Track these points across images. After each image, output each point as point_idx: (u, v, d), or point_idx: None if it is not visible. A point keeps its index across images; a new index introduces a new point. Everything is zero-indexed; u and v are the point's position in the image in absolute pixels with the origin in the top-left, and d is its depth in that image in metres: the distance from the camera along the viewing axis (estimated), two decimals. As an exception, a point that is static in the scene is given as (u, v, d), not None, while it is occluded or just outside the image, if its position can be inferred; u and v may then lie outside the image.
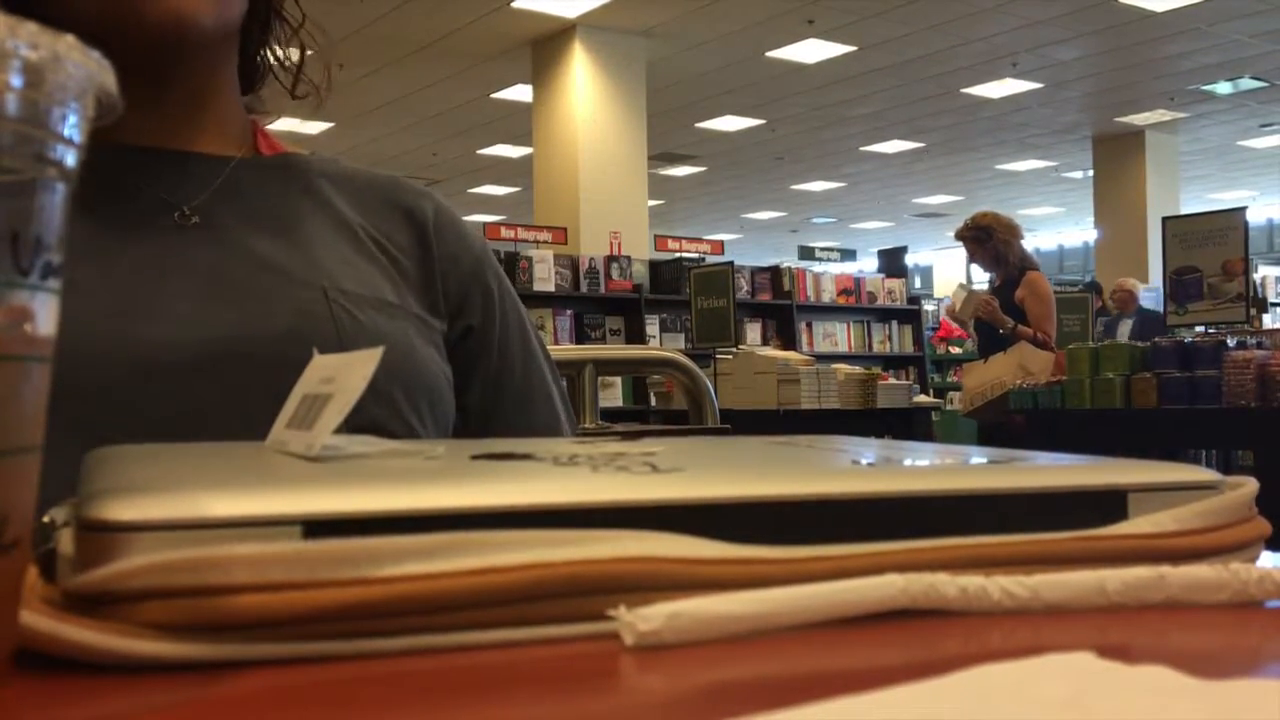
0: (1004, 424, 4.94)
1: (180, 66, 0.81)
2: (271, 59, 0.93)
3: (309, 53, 0.94)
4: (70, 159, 0.27)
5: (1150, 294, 10.54)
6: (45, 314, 0.27)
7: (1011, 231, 5.21)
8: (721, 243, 10.76)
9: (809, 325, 8.96)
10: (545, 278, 7.67)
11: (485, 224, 10.10)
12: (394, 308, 0.83)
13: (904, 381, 6.49)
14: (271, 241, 0.82)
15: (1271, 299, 11.39)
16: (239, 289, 0.77)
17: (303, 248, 0.82)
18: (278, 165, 0.88)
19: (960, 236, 5.35)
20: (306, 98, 0.95)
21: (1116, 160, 13.65)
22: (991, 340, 5.29)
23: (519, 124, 11.64)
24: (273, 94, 0.96)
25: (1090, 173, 14.42)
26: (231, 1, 0.80)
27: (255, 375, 0.72)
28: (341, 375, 0.47)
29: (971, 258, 5.45)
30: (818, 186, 16.62)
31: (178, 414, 0.71)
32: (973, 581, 0.34)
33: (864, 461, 0.45)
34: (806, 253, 13.70)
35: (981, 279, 5.77)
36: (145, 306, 0.74)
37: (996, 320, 5.17)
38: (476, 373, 0.90)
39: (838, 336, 9.09)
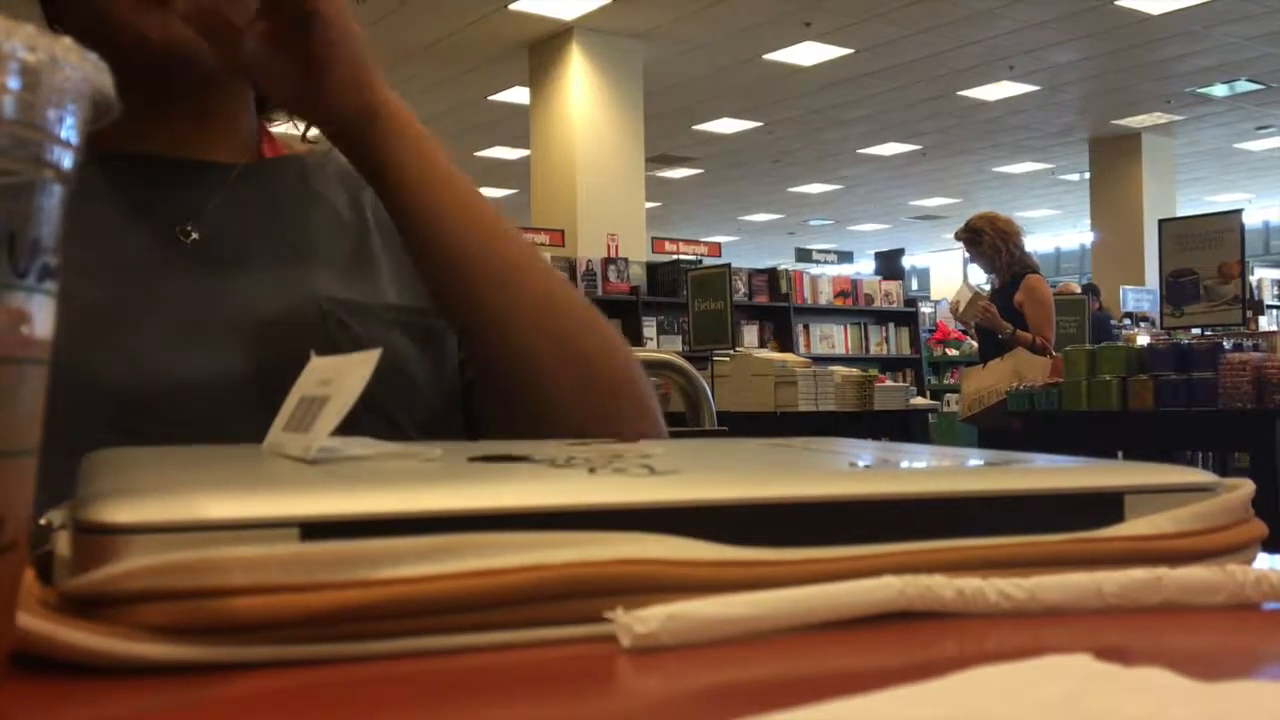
0: (1003, 429, 4.93)
1: (185, 86, 0.82)
2: None
3: None
4: (67, 161, 0.27)
5: (1148, 295, 10.56)
6: (42, 316, 0.27)
7: (1004, 235, 5.20)
8: (719, 245, 10.76)
9: (806, 327, 8.96)
10: (542, 280, 7.65)
11: (482, 226, 10.06)
12: (395, 310, 0.83)
13: (901, 384, 6.49)
14: (272, 256, 0.82)
15: (1268, 301, 11.39)
16: (237, 313, 0.77)
17: (303, 260, 0.82)
18: (279, 169, 0.88)
19: (958, 237, 5.36)
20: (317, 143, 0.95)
21: (1113, 163, 13.65)
22: (991, 344, 5.29)
23: (516, 126, 11.64)
24: None
25: (1087, 175, 14.43)
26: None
27: (251, 402, 0.72)
28: (339, 377, 0.47)
29: (971, 259, 5.45)
30: (815, 189, 16.63)
31: (175, 434, 0.71)
32: (970, 583, 0.34)
33: (861, 463, 0.45)
34: (804, 255, 13.71)
35: (980, 279, 5.76)
36: (146, 330, 0.74)
37: (995, 326, 5.16)
38: None
39: (835, 339, 9.09)
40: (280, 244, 0.83)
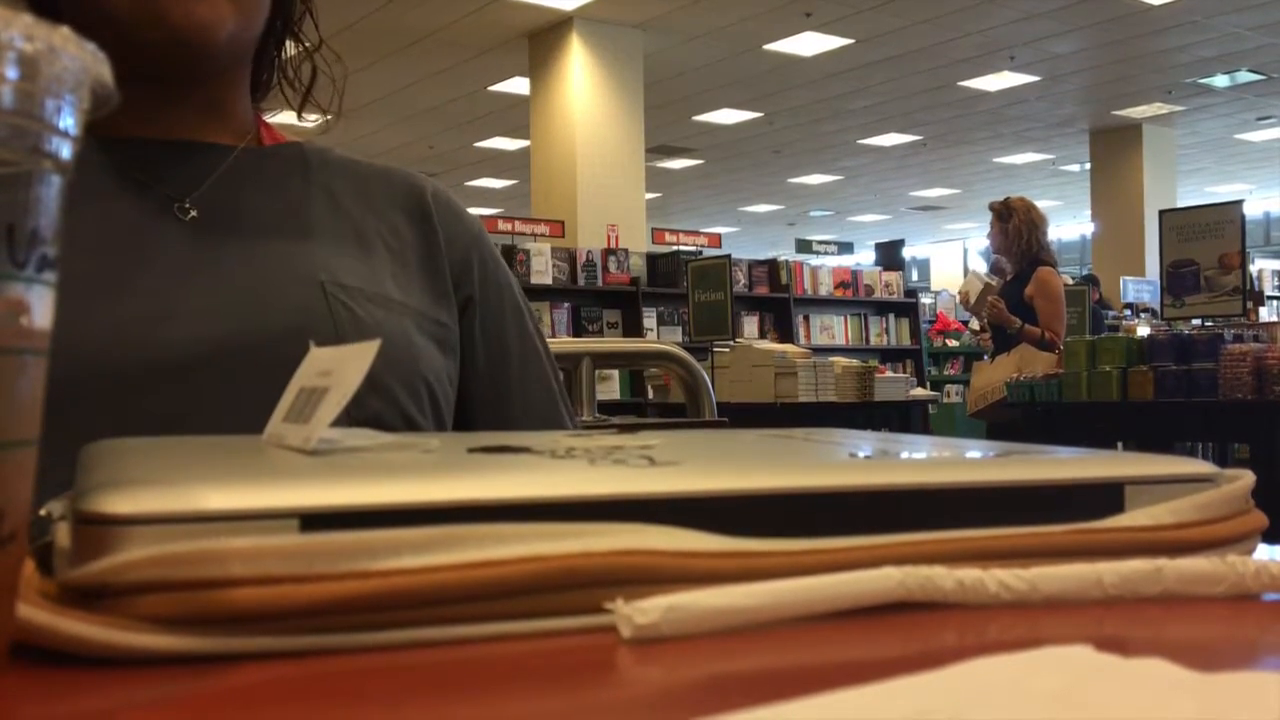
0: (1010, 423, 4.90)
1: (198, 74, 0.83)
2: (281, 75, 0.95)
3: (320, 74, 0.95)
4: (66, 151, 0.27)
5: (1148, 286, 10.56)
6: (41, 307, 0.27)
7: (1033, 224, 5.17)
8: (719, 236, 10.75)
9: (806, 318, 8.96)
10: (543, 271, 7.66)
11: (483, 217, 10.07)
12: (394, 302, 0.83)
13: (901, 375, 6.49)
14: (272, 234, 0.82)
15: (1268, 292, 11.39)
16: (237, 286, 0.77)
17: (303, 240, 0.82)
18: (279, 154, 0.88)
19: (991, 207, 5.33)
20: (314, 123, 0.96)
21: (1114, 153, 13.64)
22: (1003, 339, 5.26)
23: (516, 117, 11.63)
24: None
25: (1087, 166, 14.42)
26: (251, 16, 0.81)
27: (252, 374, 0.72)
28: (339, 368, 0.46)
29: (989, 235, 5.41)
30: (815, 179, 16.61)
31: (174, 414, 0.71)
32: (970, 574, 0.34)
33: (861, 454, 0.45)
34: (804, 246, 13.68)
35: (979, 266, 5.73)
36: (142, 307, 0.74)
37: (1004, 321, 5.14)
38: (476, 346, 0.90)
39: (835, 330, 9.09)
40: (280, 224, 0.83)
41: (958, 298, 5.91)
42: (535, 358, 0.94)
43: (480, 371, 0.90)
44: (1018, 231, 5.15)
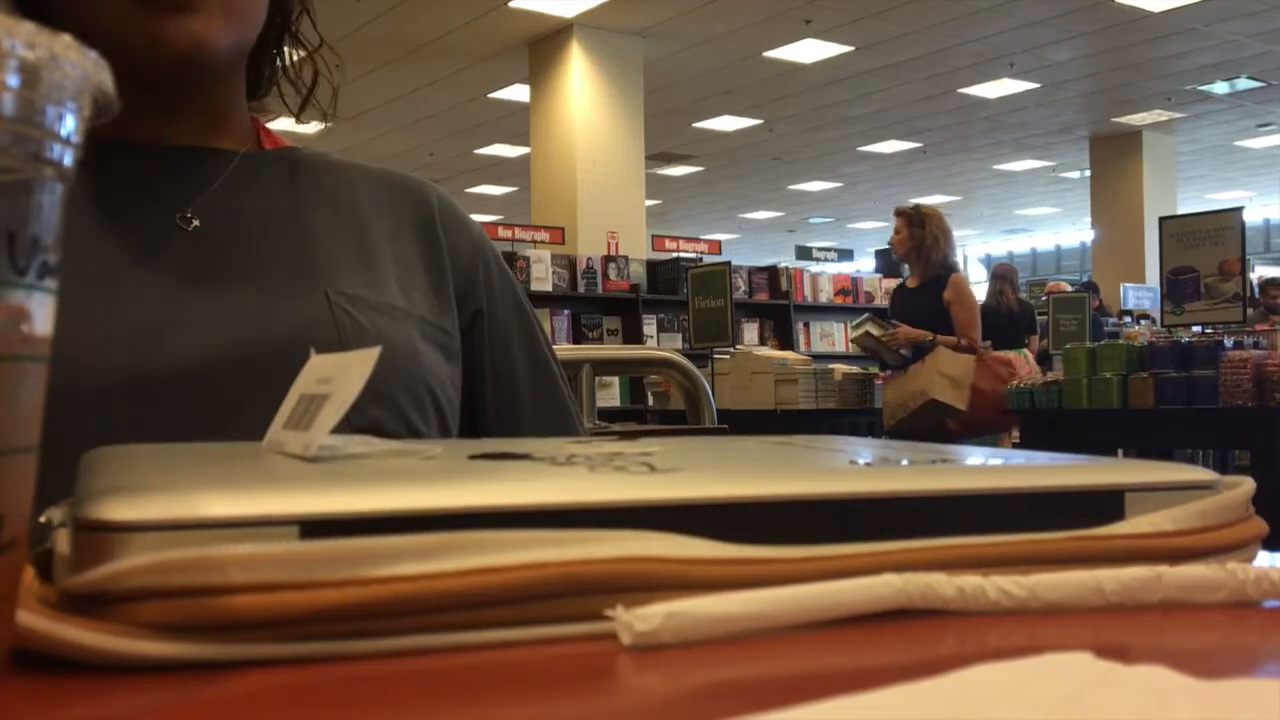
0: (935, 430, 4.80)
1: (196, 85, 0.82)
2: (280, 76, 0.94)
3: (319, 74, 0.95)
4: (67, 159, 0.27)
5: (1148, 293, 10.56)
6: (42, 314, 0.27)
7: (945, 230, 5.09)
8: (719, 243, 10.76)
9: (806, 325, 8.96)
10: (543, 278, 7.67)
11: (483, 223, 10.08)
12: (398, 309, 0.83)
13: (901, 381, 6.47)
14: (275, 241, 0.81)
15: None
16: (241, 295, 0.77)
17: (306, 247, 0.82)
18: (281, 160, 0.88)
19: (900, 212, 5.21)
20: (311, 122, 0.96)
21: (1113, 160, 13.65)
22: (920, 353, 5.15)
23: (516, 124, 11.65)
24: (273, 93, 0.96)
25: (1087, 173, 14.43)
26: (246, 25, 0.81)
27: (257, 382, 0.72)
28: (339, 375, 0.46)
29: (894, 237, 5.27)
30: (815, 186, 16.62)
31: (179, 423, 0.71)
32: (970, 581, 0.34)
33: (861, 461, 0.45)
34: (804, 253, 13.70)
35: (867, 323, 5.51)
36: (146, 317, 0.74)
37: (915, 339, 5.04)
38: (485, 357, 0.90)
39: (835, 336, 9.08)
40: (285, 231, 0.82)
41: (868, 351, 5.58)
42: (543, 365, 0.94)
43: (488, 382, 0.90)
44: (934, 239, 5.06)
